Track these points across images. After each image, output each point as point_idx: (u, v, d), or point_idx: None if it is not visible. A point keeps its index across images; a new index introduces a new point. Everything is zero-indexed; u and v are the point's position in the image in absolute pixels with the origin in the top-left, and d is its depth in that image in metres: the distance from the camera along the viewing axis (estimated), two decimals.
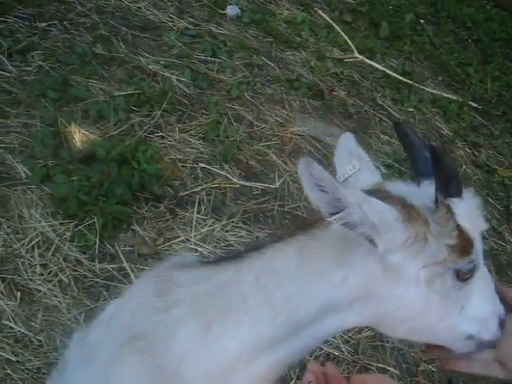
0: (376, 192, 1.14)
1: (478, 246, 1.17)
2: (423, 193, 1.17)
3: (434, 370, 3.18)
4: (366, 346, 3.08)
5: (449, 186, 1.14)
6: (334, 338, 2.92)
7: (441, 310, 1.18)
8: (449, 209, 1.12)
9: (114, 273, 2.75)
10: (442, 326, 1.20)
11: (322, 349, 2.85)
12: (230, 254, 1.35)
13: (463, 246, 1.13)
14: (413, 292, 1.14)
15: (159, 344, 1.18)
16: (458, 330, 1.20)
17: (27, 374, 2.37)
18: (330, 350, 2.86)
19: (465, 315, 1.19)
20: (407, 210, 1.11)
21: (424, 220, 1.11)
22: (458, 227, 1.12)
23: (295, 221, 3.33)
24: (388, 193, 1.18)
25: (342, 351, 2.90)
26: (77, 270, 2.71)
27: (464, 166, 4.67)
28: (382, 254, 1.11)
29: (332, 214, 1.06)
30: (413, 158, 1.25)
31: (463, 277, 1.15)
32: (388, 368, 3.05)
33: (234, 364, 1.14)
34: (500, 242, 4.21)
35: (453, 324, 1.20)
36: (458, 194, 1.15)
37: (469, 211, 1.15)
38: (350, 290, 1.15)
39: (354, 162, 1.33)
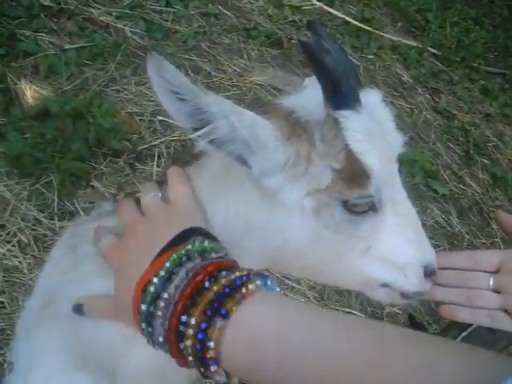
0: (260, 105, 1.01)
1: (389, 174, 0.99)
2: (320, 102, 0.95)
3: (399, 311, 3.25)
4: (332, 292, 3.12)
5: (336, 93, 0.91)
6: (299, 284, 2.95)
7: (335, 247, 1.01)
8: (336, 123, 0.92)
9: None
10: (341, 266, 1.03)
11: (287, 295, 2.87)
12: None
13: (352, 174, 0.93)
14: (298, 223, 0.98)
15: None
16: (364, 274, 1.04)
17: None
18: (296, 297, 2.89)
19: (371, 257, 1.02)
20: (290, 124, 0.95)
21: (309, 137, 0.94)
22: (347, 148, 0.92)
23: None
24: (275, 105, 1.03)
25: (307, 297, 2.94)
26: (36, 230, 2.66)
27: (424, 112, 4.70)
28: (257, 177, 0.95)
29: (196, 130, 0.90)
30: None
31: (353, 209, 0.97)
32: (354, 312, 3.11)
33: None
34: (461, 185, 4.29)
35: (354, 265, 1.03)
36: (350, 104, 0.92)
37: (369, 128, 0.94)
38: (233, 223, 1.01)
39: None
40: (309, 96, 1.02)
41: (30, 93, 3.05)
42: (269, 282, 0.82)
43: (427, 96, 4.96)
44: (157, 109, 3.35)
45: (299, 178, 0.95)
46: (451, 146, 4.62)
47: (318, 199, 0.95)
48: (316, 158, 0.93)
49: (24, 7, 3.52)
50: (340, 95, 0.90)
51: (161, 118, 3.30)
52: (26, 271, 2.55)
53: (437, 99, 4.98)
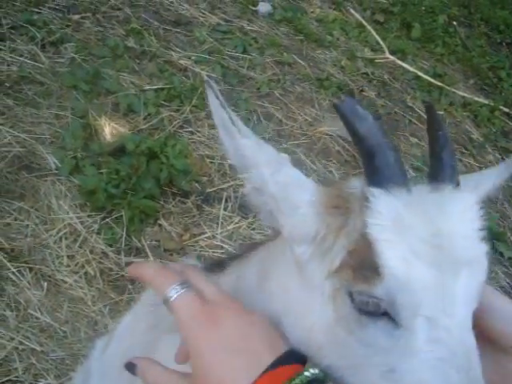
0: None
1: (431, 284, 0.75)
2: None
3: None
4: None
5: (369, 165, 0.79)
6: None
7: (352, 352, 0.81)
8: (365, 201, 0.79)
9: None
10: (360, 380, 0.81)
11: None
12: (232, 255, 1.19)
13: (360, 262, 0.78)
14: (319, 308, 0.83)
15: None
16: None
17: (51, 364, 2.39)
18: None
19: (393, 382, 0.76)
20: (337, 194, 0.84)
21: (347, 211, 0.81)
22: (363, 230, 0.77)
23: None
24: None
25: None
26: (103, 263, 2.73)
27: None
28: (288, 240, 0.86)
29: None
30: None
31: (361, 307, 0.78)
32: None
33: None
34: None
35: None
36: (383, 182, 0.78)
37: (402, 217, 0.76)
38: (275, 299, 0.91)
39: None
40: None
41: (109, 129, 3.17)
42: None
43: (497, 155, 4.86)
44: None
45: (325, 255, 0.82)
46: None
47: (334, 283, 0.81)
48: (343, 235, 0.80)
49: (109, 47, 3.70)
50: (372, 168, 0.79)
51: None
52: (89, 303, 2.60)
53: (506, 159, 4.87)
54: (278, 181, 0.82)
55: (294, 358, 0.80)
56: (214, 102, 0.82)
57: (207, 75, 3.30)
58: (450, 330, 0.74)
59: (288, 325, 0.88)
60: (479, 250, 0.79)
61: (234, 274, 1.03)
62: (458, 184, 0.83)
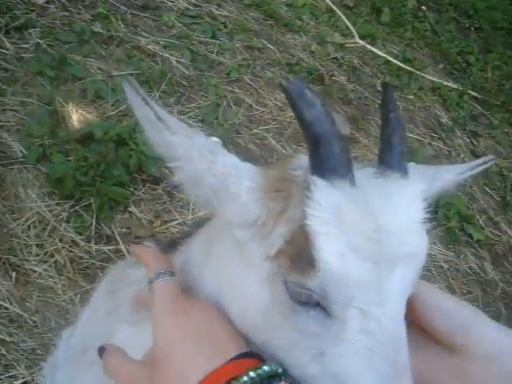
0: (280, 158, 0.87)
1: (367, 277, 0.74)
2: None
3: None
4: None
5: (314, 153, 0.76)
6: None
7: (286, 334, 0.81)
8: (307, 189, 0.76)
9: (110, 254, 2.73)
10: (293, 360, 0.81)
11: None
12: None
13: (296, 253, 0.76)
14: (256, 288, 0.82)
15: None
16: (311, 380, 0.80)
17: (22, 354, 2.36)
18: None
19: (323, 367, 0.77)
20: (279, 178, 0.82)
21: (288, 196, 0.79)
22: (301, 221, 0.75)
23: None
24: (288, 158, 0.90)
25: None
26: (73, 251, 2.70)
27: (462, 155, 4.66)
28: (226, 225, 0.85)
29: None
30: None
31: (295, 296, 0.77)
32: None
33: None
34: (496, 231, 4.22)
35: (304, 367, 0.80)
36: (326, 172, 0.75)
37: (343, 210, 0.73)
38: (215, 280, 0.91)
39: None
40: None
41: (77, 116, 3.12)
42: None
43: (466, 139, 4.92)
44: None
45: (265, 239, 0.80)
46: (488, 190, 4.56)
47: (272, 267, 0.79)
48: (283, 222, 0.78)
49: (75, 33, 3.63)
50: (316, 157, 0.76)
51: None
52: (60, 292, 2.58)
53: (475, 142, 4.94)
54: (215, 173, 0.81)
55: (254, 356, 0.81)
56: (135, 99, 0.81)
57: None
58: (381, 321, 0.74)
59: (226, 301, 0.88)
60: (420, 244, 0.79)
61: (184, 252, 1.04)
62: (405, 171, 0.81)
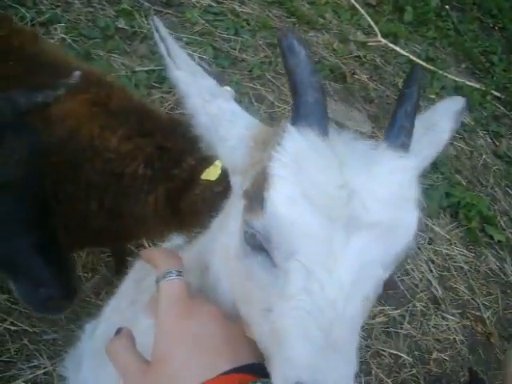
0: None
1: (314, 232, 0.70)
2: None
3: (447, 358, 3.18)
4: (380, 332, 3.08)
5: (294, 104, 0.76)
6: None
7: (246, 286, 0.80)
8: (281, 135, 0.76)
9: (132, 248, 2.76)
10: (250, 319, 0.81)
11: None
12: None
13: (253, 193, 0.75)
14: (233, 230, 0.83)
15: None
16: (254, 336, 0.80)
17: (43, 345, 2.40)
18: None
19: (268, 323, 0.75)
20: (270, 131, 0.83)
21: (270, 143, 0.79)
22: (265, 164, 0.75)
23: None
24: None
25: None
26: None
27: (484, 156, 4.62)
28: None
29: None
30: None
31: (245, 236, 0.77)
32: (400, 354, 3.06)
33: None
34: None
35: (255, 321, 0.80)
36: (298, 120, 0.75)
37: (304, 159, 0.73)
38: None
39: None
40: None
41: None
42: None
43: (488, 139, 4.88)
44: None
45: (243, 183, 0.82)
46: (510, 191, 4.52)
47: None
48: (255, 164, 0.79)
49: (100, 28, 3.66)
50: (293, 105, 0.76)
51: None
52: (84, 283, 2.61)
53: (497, 143, 4.90)
54: (208, 112, 0.85)
55: (253, 370, 0.79)
56: (156, 36, 0.88)
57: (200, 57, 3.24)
58: (325, 286, 0.70)
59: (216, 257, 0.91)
60: (392, 216, 0.73)
61: (201, 240, 1.06)
62: (403, 146, 0.78)
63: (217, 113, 0.85)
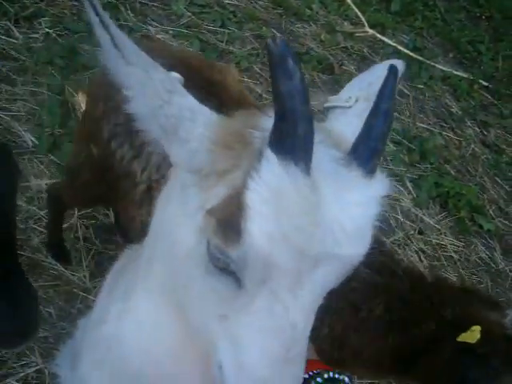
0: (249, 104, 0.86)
1: (287, 263, 0.74)
2: None
3: None
4: None
5: (276, 126, 0.72)
6: None
7: (201, 287, 0.83)
8: (258, 160, 0.72)
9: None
10: (197, 321, 0.87)
11: None
12: None
13: (225, 219, 0.74)
14: (185, 235, 0.83)
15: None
16: (208, 340, 0.84)
17: (34, 343, 2.37)
18: None
19: (224, 328, 0.80)
20: (236, 134, 0.78)
21: (237, 157, 0.76)
22: (239, 190, 0.73)
23: None
24: (256, 110, 0.88)
25: None
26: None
27: (472, 145, 4.63)
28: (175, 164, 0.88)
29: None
30: None
31: (213, 259, 0.78)
32: None
33: None
34: (506, 222, 4.20)
35: (206, 325, 0.84)
36: (282, 150, 0.71)
37: (283, 192, 0.71)
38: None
39: (353, 97, 0.98)
40: None
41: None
42: None
43: (476, 129, 4.89)
44: None
45: (204, 191, 0.79)
46: (498, 180, 4.53)
47: (202, 222, 0.79)
48: (225, 182, 0.76)
49: (85, 22, 3.61)
50: (278, 131, 0.71)
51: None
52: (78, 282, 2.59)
53: (486, 132, 4.91)
54: (168, 114, 0.79)
55: None
56: (95, 20, 0.77)
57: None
58: (289, 310, 0.75)
59: (163, 231, 0.92)
60: (356, 249, 0.79)
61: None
62: (372, 170, 0.78)
63: (177, 114, 0.80)
